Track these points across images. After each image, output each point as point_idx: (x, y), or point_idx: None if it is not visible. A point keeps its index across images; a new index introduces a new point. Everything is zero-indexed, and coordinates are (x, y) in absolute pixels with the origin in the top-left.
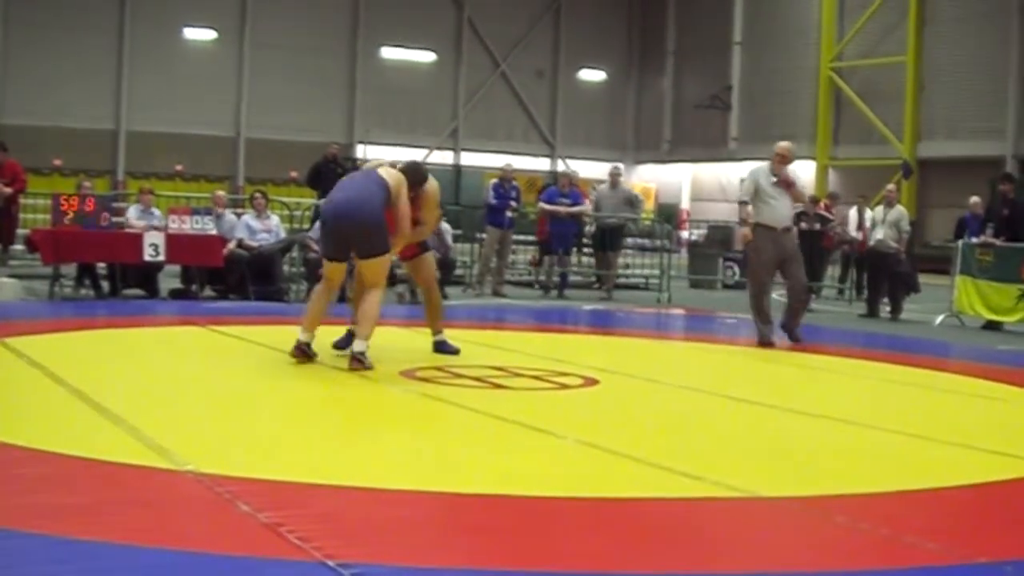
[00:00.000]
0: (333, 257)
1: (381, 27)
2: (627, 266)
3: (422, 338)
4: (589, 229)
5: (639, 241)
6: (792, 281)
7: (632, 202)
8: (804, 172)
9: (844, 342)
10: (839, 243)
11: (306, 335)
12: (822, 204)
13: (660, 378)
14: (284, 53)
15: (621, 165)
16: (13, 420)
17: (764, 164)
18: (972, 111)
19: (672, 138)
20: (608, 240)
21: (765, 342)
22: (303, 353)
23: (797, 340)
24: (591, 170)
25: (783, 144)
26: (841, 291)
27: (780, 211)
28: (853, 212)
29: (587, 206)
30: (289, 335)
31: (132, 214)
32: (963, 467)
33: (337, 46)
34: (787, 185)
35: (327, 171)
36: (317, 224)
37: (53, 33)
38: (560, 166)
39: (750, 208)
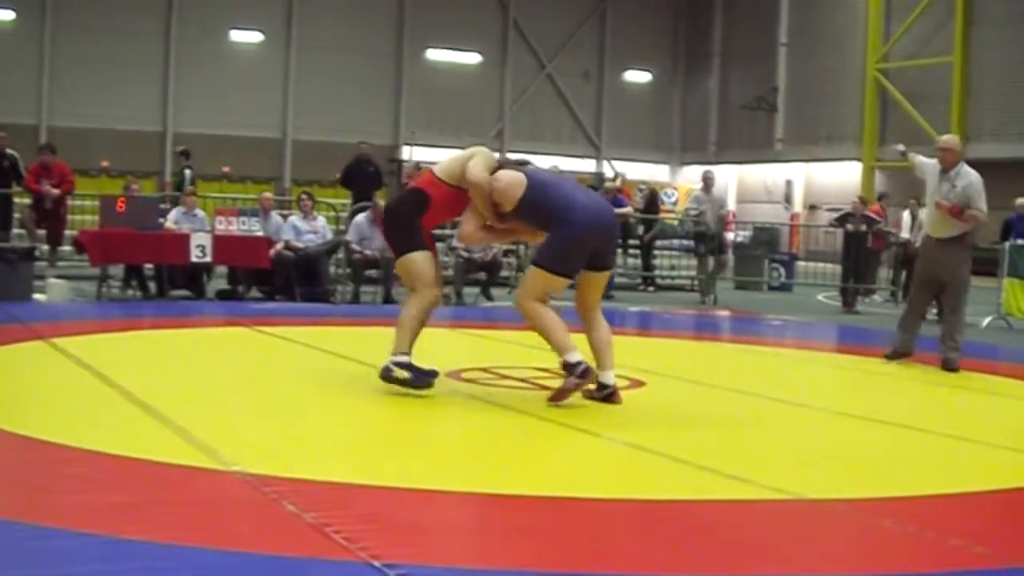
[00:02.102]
0: (574, 273)
1: (427, 29)
2: (672, 267)
3: (467, 339)
4: (712, 226)
5: (684, 243)
6: (942, 305)
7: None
8: (851, 173)
9: (891, 344)
10: (891, 245)
11: (574, 354)
12: (877, 207)
13: (706, 380)
14: (330, 55)
15: (713, 168)
16: (61, 420)
17: (934, 160)
18: (1020, 112)
19: (718, 139)
20: (708, 245)
21: (896, 354)
22: (605, 394)
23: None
24: (637, 172)
25: (946, 138)
26: (893, 293)
27: (934, 217)
28: (906, 214)
29: (629, 208)
30: (336, 336)
31: (173, 217)
32: (1011, 470)
33: (383, 48)
34: (954, 213)
35: (360, 171)
36: (358, 226)
37: (101, 36)
38: (606, 167)
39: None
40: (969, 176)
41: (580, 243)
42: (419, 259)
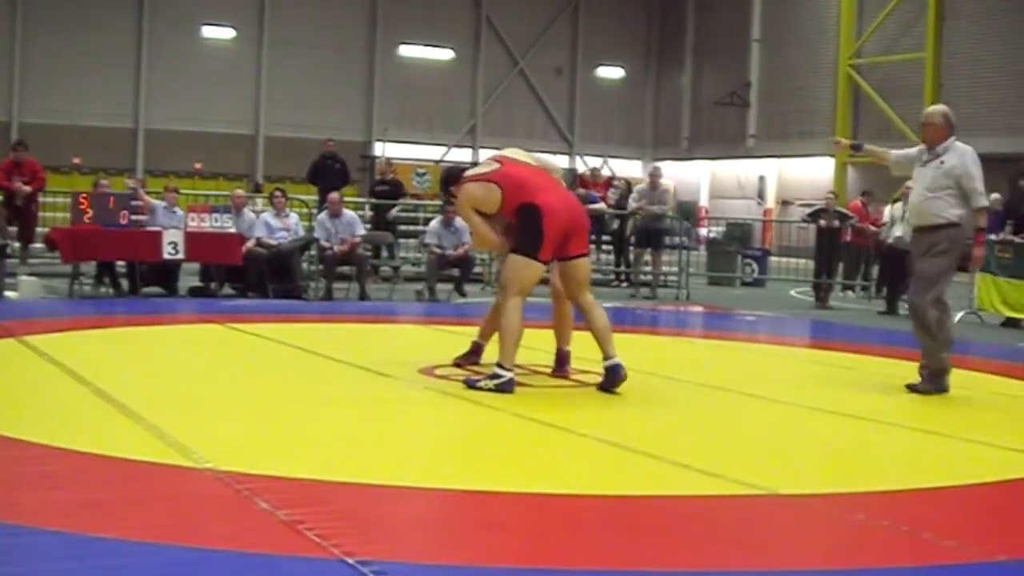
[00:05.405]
0: None
1: (399, 25)
2: (646, 263)
3: (440, 335)
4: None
5: None
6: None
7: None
8: (823, 169)
9: (863, 339)
10: (863, 238)
11: None
12: (857, 203)
13: (678, 375)
14: (302, 51)
15: (661, 166)
16: (33, 417)
17: (916, 148)
18: (991, 107)
19: (690, 135)
20: (652, 239)
21: None
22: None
23: None
24: (610, 167)
25: (928, 110)
26: (865, 288)
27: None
28: (887, 210)
29: (603, 204)
30: (308, 333)
31: (157, 211)
32: (983, 464)
33: (355, 44)
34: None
35: (326, 167)
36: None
37: (72, 32)
38: (579, 163)
39: None
40: (960, 152)
41: None
42: None
